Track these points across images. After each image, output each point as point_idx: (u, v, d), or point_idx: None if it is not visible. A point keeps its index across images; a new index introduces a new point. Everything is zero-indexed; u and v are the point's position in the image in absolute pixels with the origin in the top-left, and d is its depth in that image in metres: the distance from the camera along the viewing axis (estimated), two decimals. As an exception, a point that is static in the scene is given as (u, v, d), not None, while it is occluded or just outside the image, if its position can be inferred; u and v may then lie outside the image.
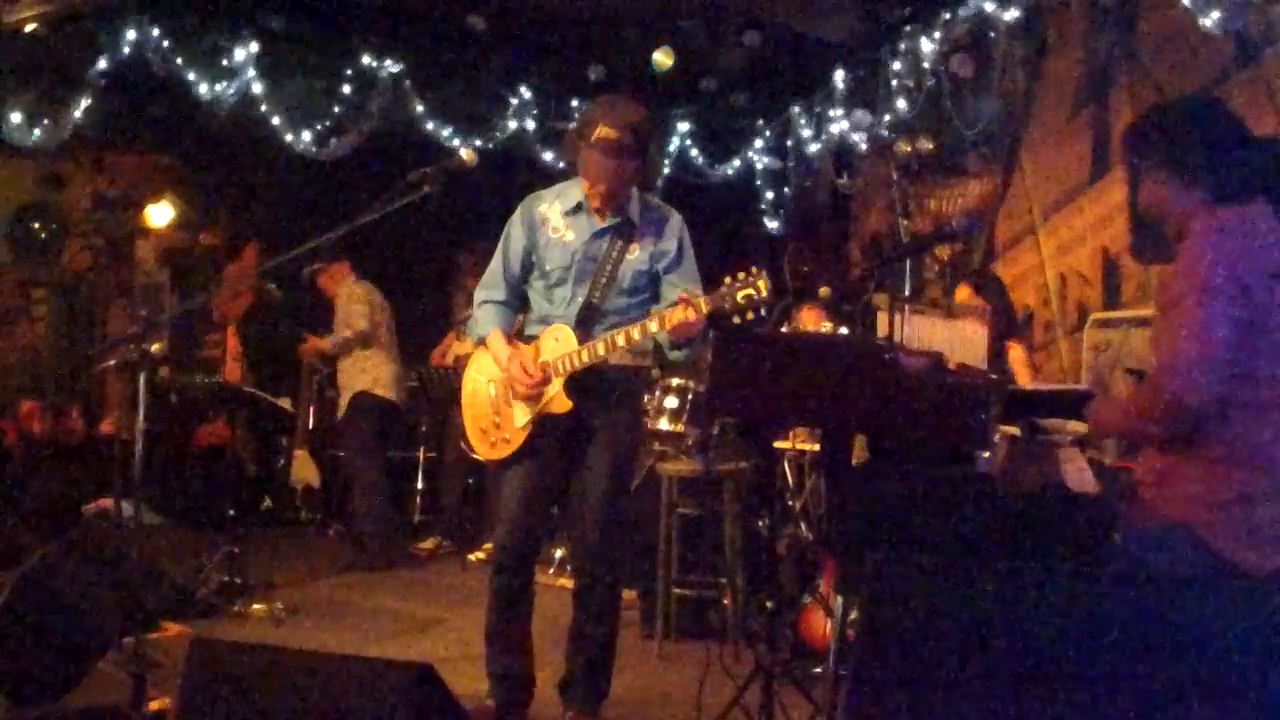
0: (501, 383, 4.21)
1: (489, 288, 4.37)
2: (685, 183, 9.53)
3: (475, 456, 4.42)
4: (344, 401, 7.46)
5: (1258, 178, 2.82)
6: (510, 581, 4.25)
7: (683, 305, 3.78)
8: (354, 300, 7.39)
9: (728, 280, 3.74)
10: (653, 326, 3.89)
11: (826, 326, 5.72)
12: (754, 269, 3.71)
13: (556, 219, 4.24)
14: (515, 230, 4.31)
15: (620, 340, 3.96)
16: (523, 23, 8.32)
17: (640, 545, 5.69)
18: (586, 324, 4.13)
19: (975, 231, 7.50)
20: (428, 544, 8.01)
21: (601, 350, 3.99)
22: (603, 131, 4.00)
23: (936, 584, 2.05)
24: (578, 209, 4.22)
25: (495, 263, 4.37)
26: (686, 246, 4.26)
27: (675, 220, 4.30)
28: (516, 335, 4.38)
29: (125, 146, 9.83)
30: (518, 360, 4.11)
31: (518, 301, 4.39)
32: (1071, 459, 4.06)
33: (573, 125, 4.29)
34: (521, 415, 4.16)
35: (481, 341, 4.35)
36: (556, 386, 4.07)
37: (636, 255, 4.19)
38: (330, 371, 8.05)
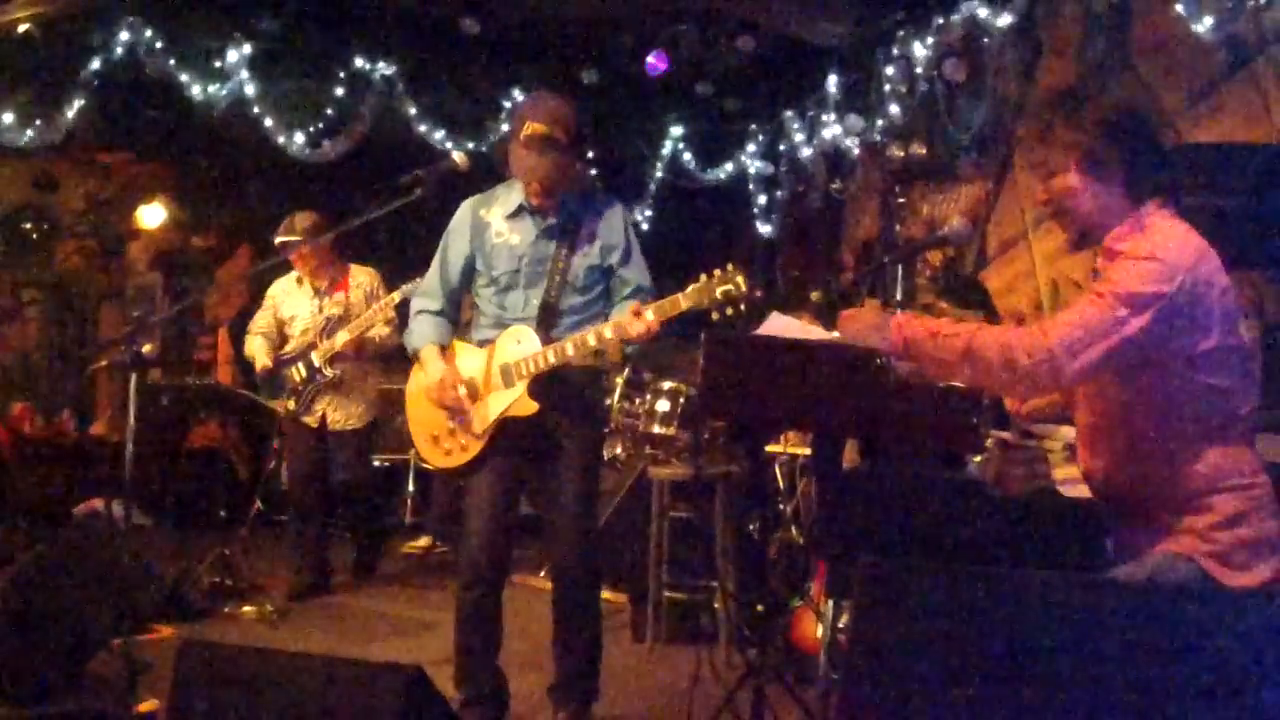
0: (463, 387, 4.14)
1: (426, 296, 4.30)
2: (678, 186, 9.55)
3: (425, 465, 4.28)
4: (372, 412, 6.70)
5: (1169, 181, 2.80)
6: (480, 598, 4.19)
7: (638, 317, 3.82)
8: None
9: (704, 277, 3.77)
10: (608, 334, 3.90)
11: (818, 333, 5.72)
12: (730, 266, 3.75)
13: (499, 223, 4.20)
14: (455, 237, 4.26)
15: (592, 340, 3.94)
16: (516, 26, 8.32)
17: (631, 549, 5.69)
18: (546, 325, 4.11)
19: (969, 237, 7.52)
20: (421, 543, 7.96)
21: (570, 351, 3.97)
22: (532, 127, 3.99)
23: (927, 589, 2.05)
24: (520, 211, 4.18)
25: (434, 270, 4.30)
26: (633, 238, 4.24)
27: (619, 211, 4.27)
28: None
29: (118, 148, 9.82)
30: (446, 379, 4.11)
31: (455, 311, 4.35)
32: (1063, 464, 4.07)
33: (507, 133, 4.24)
34: (482, 421, 4.11)
35: (415, 353, 4.31)
36: (520, 389, 4.04)
37: (585, 252, 4.16)
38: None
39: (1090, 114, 2.78)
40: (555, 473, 4.21)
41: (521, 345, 4.06)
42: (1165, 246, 2.64)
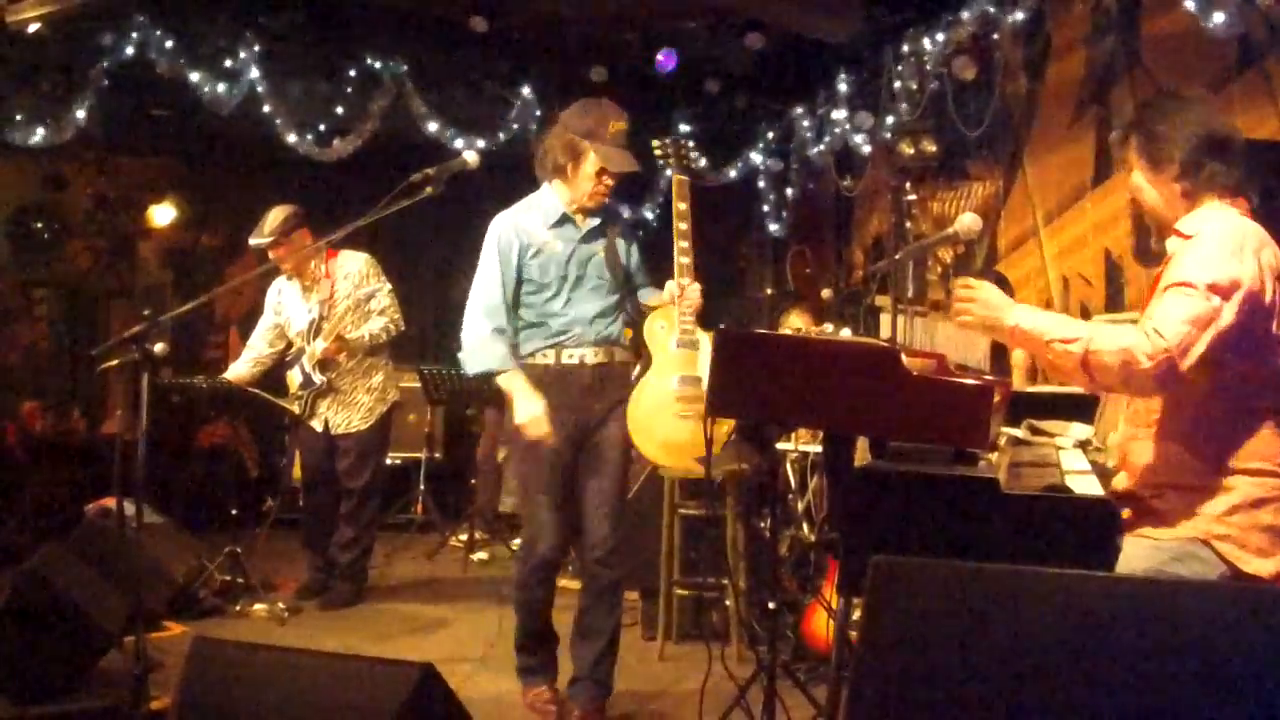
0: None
1: (492, 314, 4.22)
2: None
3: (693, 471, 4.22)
4: (379, 410, 6.40)
5: (1229, 178, 2.87)
6: (541, 594, 4.33)
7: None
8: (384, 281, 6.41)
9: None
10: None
11: (814, 329, 5.74)
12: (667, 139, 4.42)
13: (543, 232, 4.25)
14: (504, 252, 4.24)
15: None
16: (525, 24, 8.32)
17: (643, 547, 5.69)
18: (597, 325, 4.28)
19: (979, 234, 7.51)
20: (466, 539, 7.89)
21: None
22: (617, 125, 4.16)
23: (939, 586, 2.04)
24: (563, 220, 4.26)
25: (493, 286, 4.22)
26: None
27: (620, 213, 4.58)
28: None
29: (127, 147, 9.83)
30: (545, 414, 4.12)
31: None
32: (1073, 461, 4.07)
33: (558, 138, 4.24)
34: (699, 394, 4.18)
35: (486, 373, 4.27)
36: (704, 348, 4.17)
37: (621, 251, 4.33)
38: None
39: (1148, 115, 2.92)
40: (599, 464, 4.28)
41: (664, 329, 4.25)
42: (1230, 233, 2.73)
